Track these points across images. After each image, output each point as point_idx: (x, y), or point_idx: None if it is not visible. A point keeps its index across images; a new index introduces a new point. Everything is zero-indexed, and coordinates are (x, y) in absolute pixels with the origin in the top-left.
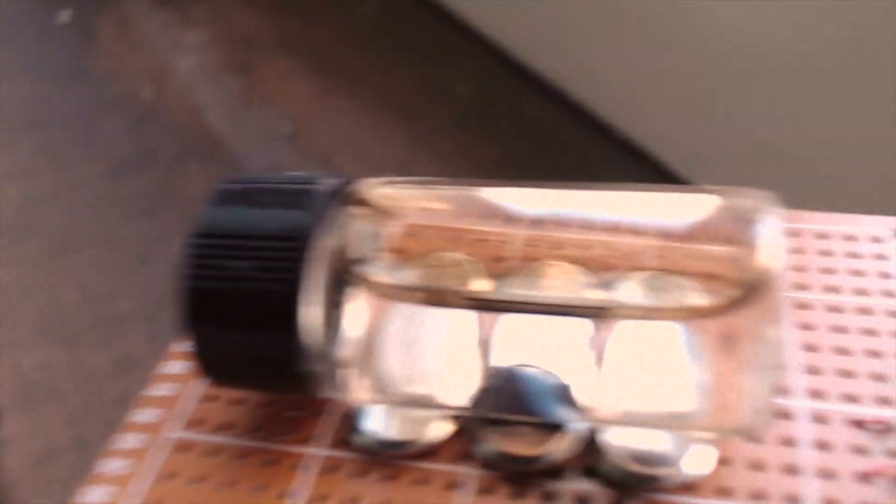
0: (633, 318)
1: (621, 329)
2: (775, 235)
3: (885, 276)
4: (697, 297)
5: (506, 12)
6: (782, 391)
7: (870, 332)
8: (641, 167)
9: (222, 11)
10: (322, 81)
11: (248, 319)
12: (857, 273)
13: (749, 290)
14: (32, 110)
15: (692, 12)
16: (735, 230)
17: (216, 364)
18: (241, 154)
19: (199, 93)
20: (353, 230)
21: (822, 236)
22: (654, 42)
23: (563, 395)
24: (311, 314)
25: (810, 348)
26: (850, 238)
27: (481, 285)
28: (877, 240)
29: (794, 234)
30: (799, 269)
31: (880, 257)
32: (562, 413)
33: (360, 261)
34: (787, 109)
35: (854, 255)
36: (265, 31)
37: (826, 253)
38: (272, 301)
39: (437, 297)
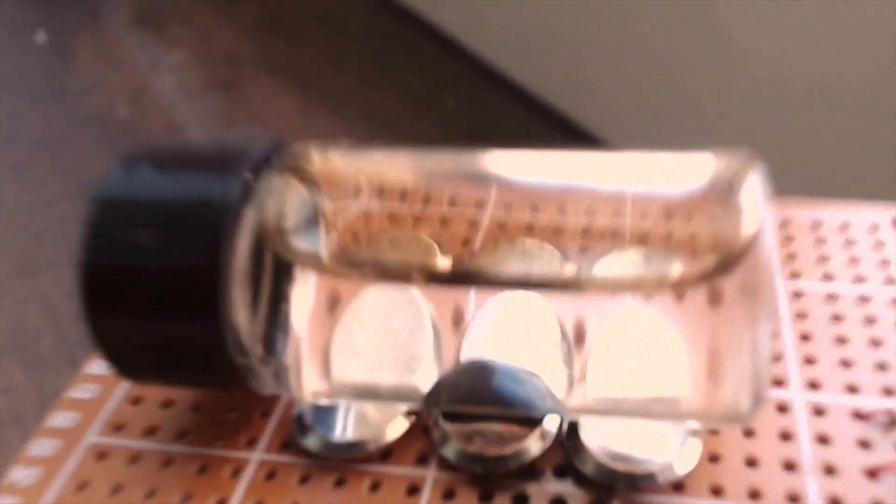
0: (611, 291)
1: (598, 307)
2: (757, 196)
3: (885, 263)
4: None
5: (493, 28)
6: (778, 382)
7: (870, 321)
8: None
9: (203, 30)
10: (306, 99)
11: (155, 301)
12: (854, 261)
13: (732, 256)
14: (2, 129)
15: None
16: (715, 194)
17: (122, 355)
18: None
19: (178, 111)
20: (288, 200)
21: (816, 225)
22: (646, 53)
23: (535, 383)
24: (233, 294)
25: (806, 338)
26: (845, 226)
27: (444, 262)
28: (874, 228)
29: (786, 222)
30: (792, 257)
31: (878, 245)
32: (534, 404)
33: (298, 235)
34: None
35: (851, 243)
36: (247, 50)
37: (821, 241)
38: (184, 278)
39: (394, 273)
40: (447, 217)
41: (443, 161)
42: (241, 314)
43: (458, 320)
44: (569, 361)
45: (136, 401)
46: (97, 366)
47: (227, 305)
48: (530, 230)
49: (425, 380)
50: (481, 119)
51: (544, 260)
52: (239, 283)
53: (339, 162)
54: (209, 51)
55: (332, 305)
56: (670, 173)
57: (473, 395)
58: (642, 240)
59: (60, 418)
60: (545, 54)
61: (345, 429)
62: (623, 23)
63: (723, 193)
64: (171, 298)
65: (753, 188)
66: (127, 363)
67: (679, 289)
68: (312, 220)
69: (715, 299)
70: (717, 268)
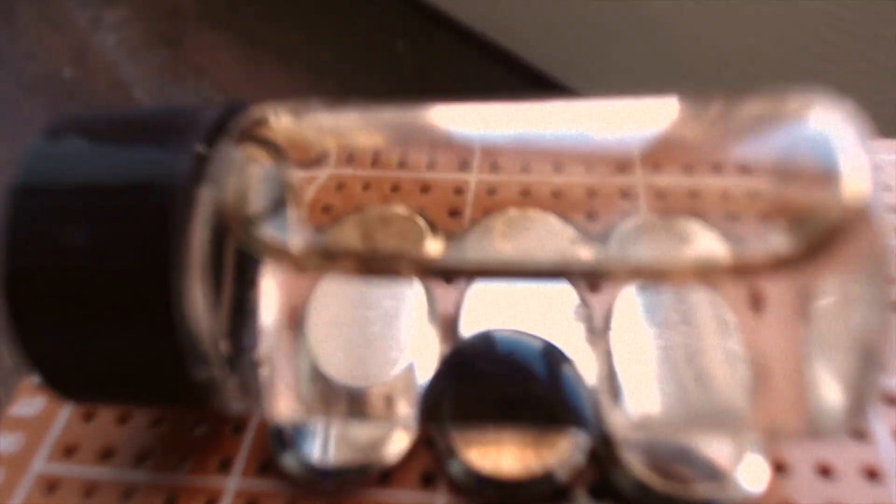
0: (644, 280)
1: (628, 299)
2: (857, 154)
3: None
4: (732, 248)
5: None
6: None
7: None
8: None
9: None
10: (251, 51)
11: (94, 310)
12: None
13: (826, 237)
14: None
15: None
16: (785, 146)
17: (60, 375)
18: None
19: (123, 69)
20: (250, 176)
21: None
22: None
23: (568, 379)
24: (188, 295)
25: None
26: None
27: (435, 246)
28: None
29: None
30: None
31: None
32: (576, 414)
33: (263, 220)
34: None
35: None
36: (189, 3)
37: None
38: (126, 281)
39: (379, 267)
40: (428, 183)
41: (416, 118)
42: (200, 318)
43: (447, 305)
44: (592, 341)
45: (87, 416)
46: None
47: (181, 310)
48: (526, 195)
49: (408, 382)
50: (432, 65)
51: (551, 235)
52: (195, 281)
53: (301, 126)
54: (150, 6)
55: (302, 301)
56: (704, 120)
57: (485, 407)
58: (669, 208)
59: (2, 442)
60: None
61: (332, 445)
62: None
63: (802, 145)
64: (112, 306)
65: (851, 139)
66: (68, 384)
67: (746, 277)
68: (278, 196)
69: (797, 286)
70: (812, 250)
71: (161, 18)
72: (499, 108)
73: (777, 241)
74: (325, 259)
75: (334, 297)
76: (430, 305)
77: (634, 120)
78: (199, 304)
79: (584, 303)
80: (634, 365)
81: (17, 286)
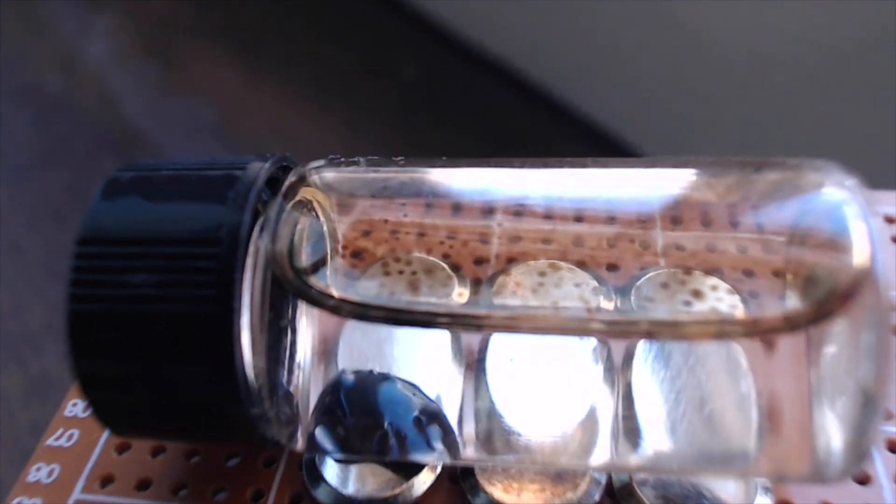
0: (663, 338)
1: (647, 350)
2: (866, 221)
3: None
4: (746, 306)
5: None
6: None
7: None
8: (609, 152)
9: None
10: (250, 65)
11: (157, 354)
12: None
13: (837, 297)
14: None
15: None
16: (798, 213)
17: (118, 414)
18: (163, 147)
19: (112, 81)
20: (294, 227)
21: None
22: (611, 17)
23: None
24: (242, 342)
25: None
26: None
27: (463, 295)
28: None
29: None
30: None
31: None
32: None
33: (308, 268)
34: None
35: None
36: (184, 13)
37: None
38: (185, 327)
39: (414, 317)
40: (453, 231)
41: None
42: (257, 358)
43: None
44: (613, 393)
45: (122, 448)
46: (75, 406)
47: (242, 354)
48: (548, 243)
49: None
50: (439, 85)
51: (574, 286)
52: (254, 324)
53: (336, 179)
54: (141, 15)
55: (335, 342)
56: (722, 184)
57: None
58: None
59: (41, 472)
60: (507, 17)
61: (362, 481)
62: None
63: (814, 210)
64: (176, 347)
65: (860, 206)
66: (124, 422)
67: (760, 334)
68: (320, 245)
69: (807, 336)
70: (819, 309)
71: (153, 28)
72: (524, 174)
73: (790, 301)
74: (364, 307)
75: (370, 339)
76: (455, 347)
77: (654, 185)
78: (257, 345)
79: (603, 344)
80: (650, 406)
81: (81, 329)
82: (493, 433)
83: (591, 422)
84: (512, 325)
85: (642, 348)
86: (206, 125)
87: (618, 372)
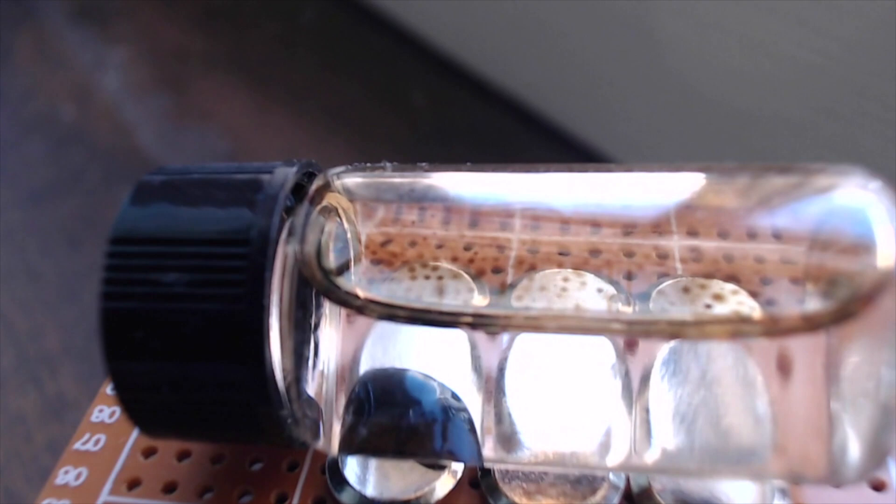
0: (683, 337)
1: (663, 353)
2: (889, 225)
3: None
4: (765, 309)
5: (451, 19)
6: None
7: None
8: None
9: (148, 25)
10: (261, 95)
11: (183, 350)
12: None
13: (860, 299)
14: None
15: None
16: (821, 217)
17: (146, 410)
18: None
19: (126, 112)
20: (321, 230)
21: None
22: (612, 48)
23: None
24: (272, 341)
25: None
26: None
27: (483, 300)
28: None
29: None
30: None
31: None
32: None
33: (335, 270)
34: None
35: None
36: (196, 45)
37: None
38: (217, 324)
39: (438, 317)
40: (471, 241)
41: (468, 182)
42: (286, 358)
43: (493, 353)
44: (627, 398)
45: (148, 452)
46: (101, 412)
47: (272, 355)
48: (565, 253)
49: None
50: (449, 116)
51: (593, 292)
52: (283, 325)
53: (359, 185)
54: (155, 47)
55: (361, 344)
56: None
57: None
58: (703, 271)
59: (69, 475)
60: (520, 51)
61: (386, 483)
62: (604, 14)
63: (832, 215)
64: (207, 349)
65: (882, 210)
66: (155, 421)
67: (780, 335)
68: (343, 252)
69: (828, 345)
70: (841, 311)
71: (166, 59)
72: (538, 178)
73: (811, 304)
74: (391, 308)
75: (393, 343)
76: (474, 356)
77: (669, 190)
78: (285, 345)
79: (621, 360)
80: (668, 418)
81: (114, 326)
82: (511, 447)
83: (608, 429)
84: (535, 325)
85: (660, 363)
86: (218, 153)
87: (635, 387)
